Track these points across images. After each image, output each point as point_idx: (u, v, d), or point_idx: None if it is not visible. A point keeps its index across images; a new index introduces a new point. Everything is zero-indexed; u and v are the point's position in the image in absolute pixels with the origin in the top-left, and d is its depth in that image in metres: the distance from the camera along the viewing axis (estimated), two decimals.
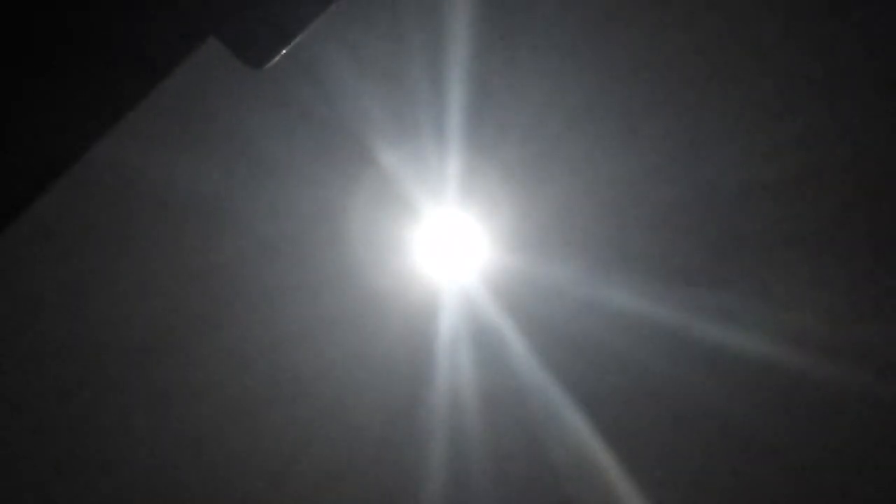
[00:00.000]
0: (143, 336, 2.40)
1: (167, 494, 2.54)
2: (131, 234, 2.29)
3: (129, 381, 2.44)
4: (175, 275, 2.32)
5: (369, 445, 2.58)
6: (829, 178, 2.36)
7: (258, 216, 2.32)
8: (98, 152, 1.19)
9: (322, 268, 2.40)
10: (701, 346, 2.45)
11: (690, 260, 2.41)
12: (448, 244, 2.42)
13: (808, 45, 2.33)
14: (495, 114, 2.34)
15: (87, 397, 2.43)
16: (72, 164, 1.10)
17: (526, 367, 2.56)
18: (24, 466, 2.43)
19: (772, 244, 2.44)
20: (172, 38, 1.06)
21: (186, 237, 2.31)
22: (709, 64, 2.36)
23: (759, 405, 2.48)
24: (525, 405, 2.60)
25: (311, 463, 2.55)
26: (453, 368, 2.53)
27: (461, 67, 2.30)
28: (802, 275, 2.44)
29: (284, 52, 1.28)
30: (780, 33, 2.26)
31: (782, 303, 2.46)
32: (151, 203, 2.25)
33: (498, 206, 2.39)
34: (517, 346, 2.53)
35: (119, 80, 1.06)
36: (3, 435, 2.44)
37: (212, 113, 2.21)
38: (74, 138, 1.08)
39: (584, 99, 2.35)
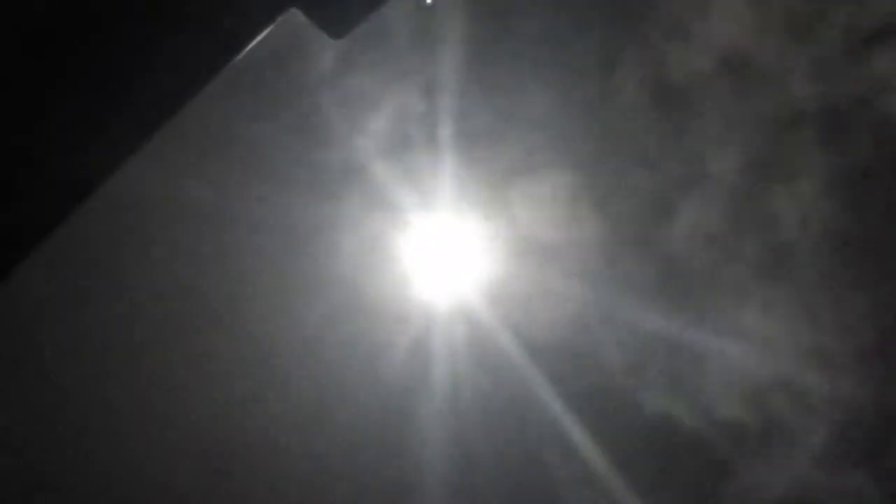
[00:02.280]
0: (143, 339, 2.42)
1: (168, 489, 2.54)
2: (124, 242, 2.32)
3: (136, 377, 2.45)
4: (167, 283, 2.34)
5: (365, 451, 2.58)
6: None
7: (252, 226, 2.34)
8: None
9: (317, 276, 2.41)
10: (695, 356, 2.45)
11: (684, 268, 2.41)
12: (441, 252, 2.43)
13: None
14: (488, 123, 2.36)
15: (97, 390, 2.44)
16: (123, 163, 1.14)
17: (520, 371, 2.56)
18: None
19: (770, 260, 2.43)
20: (256, 9, 1.09)
21: (181, 246, 2.33)
22: (706, 74, 2.36)
23: (752, 415, 2.48)
24: (520, 408, 2.60)
25: (305, 466, 2.55)
26: (448, 373, 2.54)
27: (454, 77, 2.31)
28: (803, 289, 2.44)
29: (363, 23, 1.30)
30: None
31: (785, 320, 2.45)
32: (143, 212, 2.27)
33: (490, 215, 2.41)
34: (511, 352, 2.53)
35: (202, 50, 1.09)
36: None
37: (203, 123, 2.24)
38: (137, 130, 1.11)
39: (579, 108, 2.36)
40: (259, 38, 1.17)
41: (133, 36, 1.09)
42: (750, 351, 2.42)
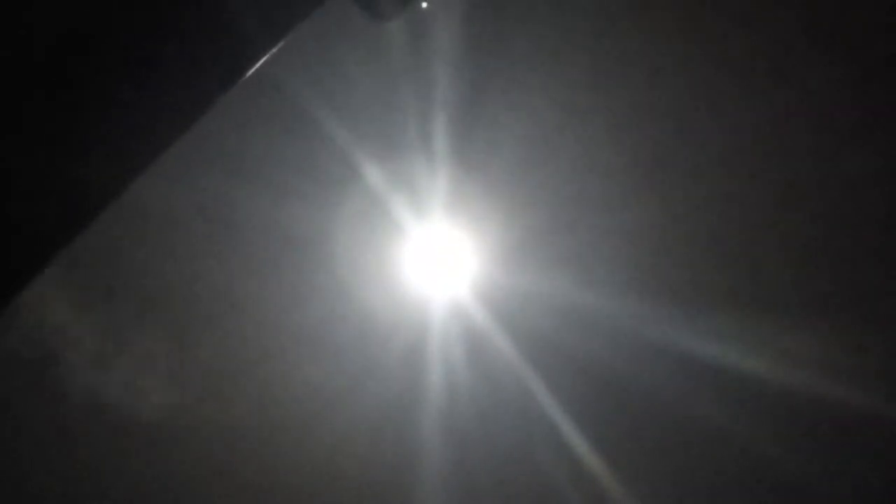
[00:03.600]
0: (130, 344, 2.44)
1: (169, 490, 2.57)
2: (123, 249, 2.32)
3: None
4: (161, 292, 2.35)
5: (360, 453, 2.60)
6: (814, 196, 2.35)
7: (247, 233, 2.35)
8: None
9: (312, 284, 2.42)
10: (686, 359, 2.46)
11: (675, 273, 2.41)
12: (437, 259, 2.43)
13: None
14: (482, 129, 2.35)
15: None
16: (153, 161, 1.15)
17: (517, 376, 2.57)
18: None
19: (766, 261, 2.43)
20: (276, 15, 1.09)
21: (175, 253, 2.34)
22: (702, 78, 2.35)
23: (743, 418, 2.49)
24: (516, 413, 2.62)
25: (300, 469, 2.58)
26: (445, 379, 2.55)
27: (448, 83, 2.31)
28: (800, 296, 2.44)
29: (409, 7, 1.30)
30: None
31: (776, 324, 2.45)
32: (139, 220, 2.28)
33: (485, 220, 2.41)
34: (508, 357, 2.55)
35: (234, 44, 1.09)
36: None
37: (200, 131, 2.23)
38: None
39: (573, 113, 2.35)
40: (278, 46, 1.17)
41: (146, 49, 1.09)
42: (761, 361, 2.43)
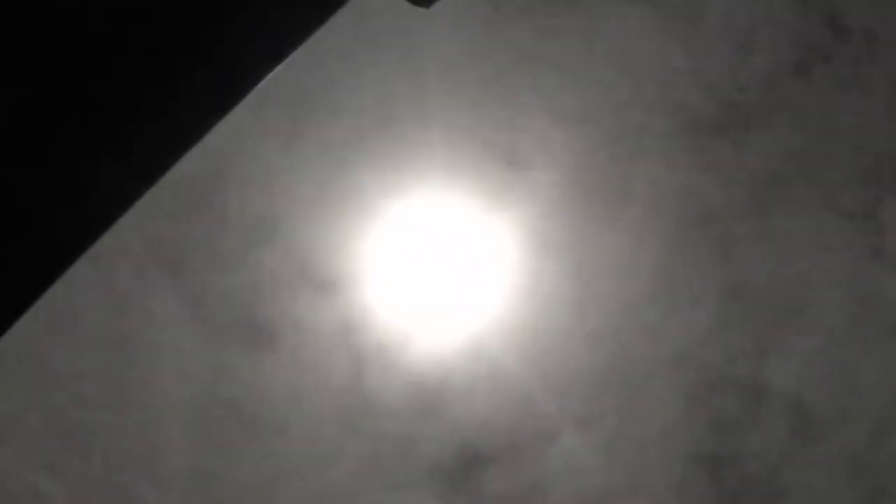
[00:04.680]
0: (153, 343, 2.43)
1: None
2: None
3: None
4: (149, 294, 2.34)
5: (368, 477, 2.59)
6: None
7: (241, 237, 2.34)
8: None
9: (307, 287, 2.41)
10: (685, 359, 2.47)
11: (676, 274, 2.42)
12: (440, 276, 2.43)
13: None
14: (484, 136, 2.35)
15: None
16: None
17: (518, 380, 2.58)
18: None
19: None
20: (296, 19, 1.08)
21: (157, 255, 2.33)
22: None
23: (746, 428, 2.50)
24: (514, 410, 2.62)
25: (295, 481, 2.57)
26: (445, 380, 2.55)
27: (444, 85, 2.30)
28: None
29: None
30: None
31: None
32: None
33: (490, 238, 2.40)
34: (508, 361, 2.55)
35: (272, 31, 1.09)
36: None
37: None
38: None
39: (572, 115, 2.36)
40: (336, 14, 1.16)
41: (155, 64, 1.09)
42: (798, 377, 2.44)
